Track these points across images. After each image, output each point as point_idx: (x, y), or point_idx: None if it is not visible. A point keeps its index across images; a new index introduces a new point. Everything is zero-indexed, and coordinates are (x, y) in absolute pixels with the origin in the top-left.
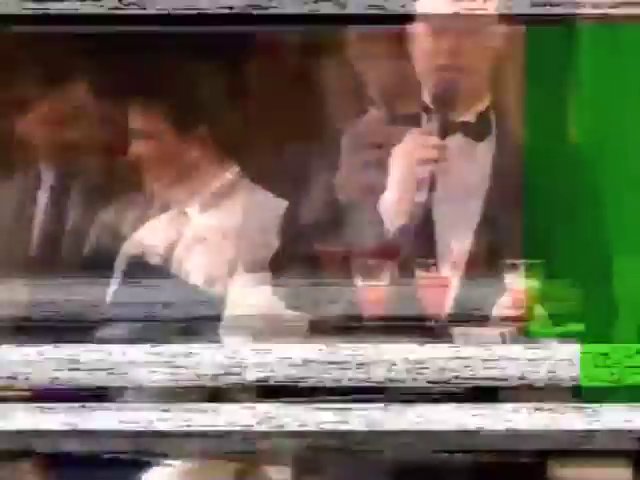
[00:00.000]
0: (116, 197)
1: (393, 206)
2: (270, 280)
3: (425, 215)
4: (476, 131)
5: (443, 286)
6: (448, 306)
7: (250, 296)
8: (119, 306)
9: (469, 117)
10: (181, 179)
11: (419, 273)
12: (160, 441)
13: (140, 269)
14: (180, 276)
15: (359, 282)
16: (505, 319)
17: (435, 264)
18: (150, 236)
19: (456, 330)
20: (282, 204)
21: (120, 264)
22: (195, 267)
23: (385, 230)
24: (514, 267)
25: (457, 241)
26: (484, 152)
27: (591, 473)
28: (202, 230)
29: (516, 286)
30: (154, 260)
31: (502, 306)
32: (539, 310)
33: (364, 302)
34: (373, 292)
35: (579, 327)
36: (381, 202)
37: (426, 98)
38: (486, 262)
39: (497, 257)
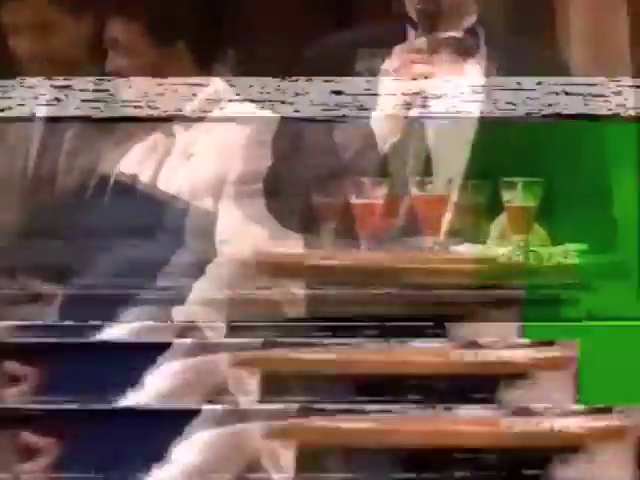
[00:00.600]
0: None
1: (385, 123)
2: (262, 208)
3: (418, 132)
4: (464, 47)
5: (439, 204)
6: (444, 225)
7: (243, 234)
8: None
9: (456, 33)
10: (161, 92)
11: (414, 191)
12: None
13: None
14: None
15: (353, 199)
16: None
17: (431, 182)
18: (136, 160)
19: None
20: (274, 117)
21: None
22: (182, 183)
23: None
24: (512, 185)
25: (452, 158)
26: (473, 69)
27: None
28: (188, 146)
29: (514, 204)
30: (141, 185)
31: (500, 224)
32: (538, 229)
33: (359, 219)
34: (368, 209)
35: (581, 246)
36: (372, 120)
37: (411, 13)
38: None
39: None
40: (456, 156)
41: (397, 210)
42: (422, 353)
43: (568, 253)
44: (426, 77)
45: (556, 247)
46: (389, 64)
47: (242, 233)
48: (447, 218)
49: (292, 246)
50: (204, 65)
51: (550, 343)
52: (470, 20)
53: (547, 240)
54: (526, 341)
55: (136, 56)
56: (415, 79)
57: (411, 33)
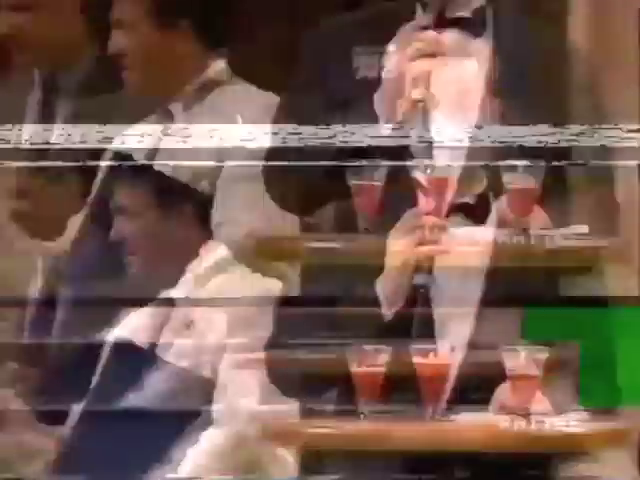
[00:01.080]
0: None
1: (390, 293)
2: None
3: (423, 296)
4: (472, 27)
5: (441, 373)
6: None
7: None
8: None
9: (465, 12)
10: (164, 75)
11: (417, 359)
12: None
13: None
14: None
15: (354, 367)
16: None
17: (434, 350)
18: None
19: None
20: (274, 98)
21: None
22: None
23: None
24: (513, 168)
25: (456, 324)
26: (480, 50)
27: None
28: (187, 127)
29: (515, 186)
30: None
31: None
32: (539, 211)
33: (360, 388)
34: (369, 377)
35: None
36: (377, 284)
37: None
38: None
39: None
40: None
41: None
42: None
43: (571, 236)
44: (432, 55)
45: (558, 229)
46: (395, 43)
47: (239, 216)
48: None
49: (290, 230)
50: (208, 46)
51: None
52: (479, 0)
53: (548, 223)
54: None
55: (140, 35)
56: (420, 58)
57: (419, 13)
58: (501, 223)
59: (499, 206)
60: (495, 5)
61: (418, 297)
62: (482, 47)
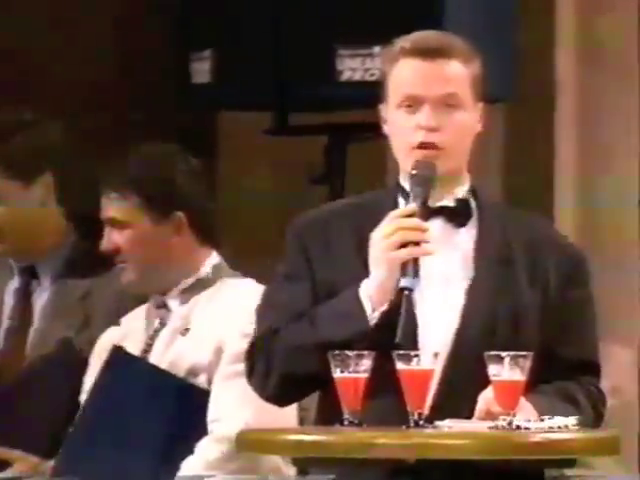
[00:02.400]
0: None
1: (374, 293)
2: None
3: (408, 302)
4: (456, 217)
5: (424, 380)
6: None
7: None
8: None
9: (448, 202)
10: (157, 268)
11: (400, 365)
12: None
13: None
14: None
15: (336, 373)
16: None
17: (417, 355)
18: (129, 328)
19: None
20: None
21: (97, 357)
22: (178, 358)
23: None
24: (499, 359)
25: (439, 331)
26: (465, 239)
27: None
28: (184, 321)
29: (501, 378)
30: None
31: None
32: (525, 404)
33: (342, 394)
34: (351, 384)
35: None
36: (361, 289)
37: (405, 181)
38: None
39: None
40: (443, 328)
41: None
42: None
43: (556, 428)
44: (416, 244)
45: (543, 422)
46: (378, 232)
47: (233, 412)
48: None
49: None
50: (204, 237)
51: None
52: (462, 190)
53: (535, 413)
54: None
55: (135, 232)
56: (405, 245)
57: (402, 203)
58: (487, 414)
59: (485, 396)
60: (478, 194)
61: (403, 300)
62: (466, 237)
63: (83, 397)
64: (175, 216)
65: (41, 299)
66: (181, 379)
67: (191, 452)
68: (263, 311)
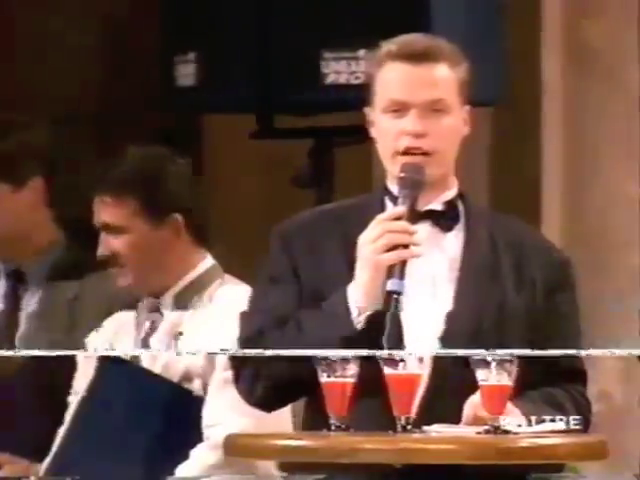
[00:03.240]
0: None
1: (361, 297)
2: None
3: (395, 305)
4: (444, 220)
5: (411, 384)
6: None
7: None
8: None
9: (436, 206)
10: (154, 271)
11: (386, 370)
12: None
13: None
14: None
15: (323, 378)
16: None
17: (403, 360)
18: (120, 331)
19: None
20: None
21: (86, 360)
22: (171, 362)
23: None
24: (485, 363)
25: (425, 334)
26: (452, 242)
27: None
28: (177, 325)
29: (488, 383)
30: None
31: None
32: (513, 409)
33: (328, 399)
34: (338, 388)
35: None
36: (348, 293)
37: (392, 185)
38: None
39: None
40: (430, 332)
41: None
42: None
43: (543, 433)
44: (405, 246)
45: (531, 427)
46: (366, 235)
47: (229, 418)
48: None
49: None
50: (200, 239)
51: None
52: (450, 194)
53: (522, 418)
54: None
55: (131, 236)
56: (393, 248)
57: (389, 206)
58: (475, 419)
59: (472, 401)
60: (466, 198)
61: (390, 303)
62: (454, 240)
63: (72, 398)
64: (172, 218)
65: (30, 302)
66: (175, 383)
67: (185, 457)
68: (248, 315)
